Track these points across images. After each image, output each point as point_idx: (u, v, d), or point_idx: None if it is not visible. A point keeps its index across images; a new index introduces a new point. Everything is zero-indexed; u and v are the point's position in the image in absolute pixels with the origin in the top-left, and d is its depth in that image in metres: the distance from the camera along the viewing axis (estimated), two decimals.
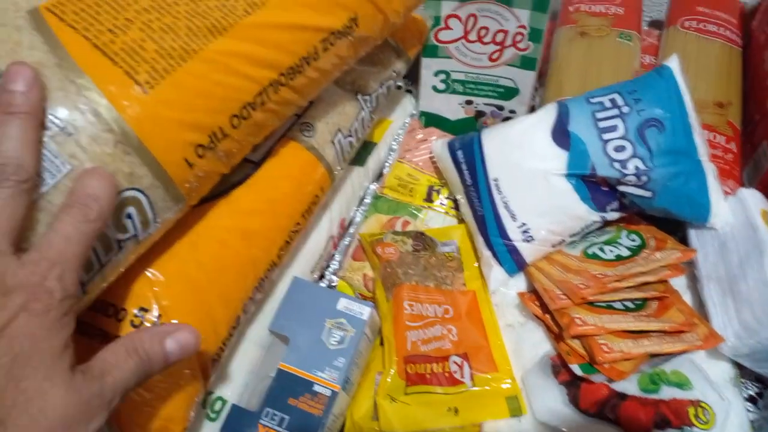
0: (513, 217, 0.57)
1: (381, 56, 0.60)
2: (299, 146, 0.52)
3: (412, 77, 0.72)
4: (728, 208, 0.58)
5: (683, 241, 0.61)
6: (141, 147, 0.36)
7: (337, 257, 0.64)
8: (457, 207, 0.66)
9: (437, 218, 0.66)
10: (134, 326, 0.41)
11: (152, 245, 0.41)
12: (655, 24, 0.87)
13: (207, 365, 0.44)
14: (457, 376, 0.53)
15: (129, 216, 0.36)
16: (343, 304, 0.52)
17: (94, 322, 0.41)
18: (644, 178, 0.55)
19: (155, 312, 0.41)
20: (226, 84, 0.39)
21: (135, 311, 0.41)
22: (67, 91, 0.34)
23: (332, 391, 0.47)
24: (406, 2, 0.50)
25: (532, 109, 0.75)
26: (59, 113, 0.34)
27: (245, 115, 0.41)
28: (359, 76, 0.58)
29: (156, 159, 0.36)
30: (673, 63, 0.60)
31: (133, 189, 0.36)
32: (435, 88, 0.70)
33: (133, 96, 0.35)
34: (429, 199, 0.67)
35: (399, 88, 0.76)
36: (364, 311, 0.51)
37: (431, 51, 0.66)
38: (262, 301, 0.53)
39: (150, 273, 0.42)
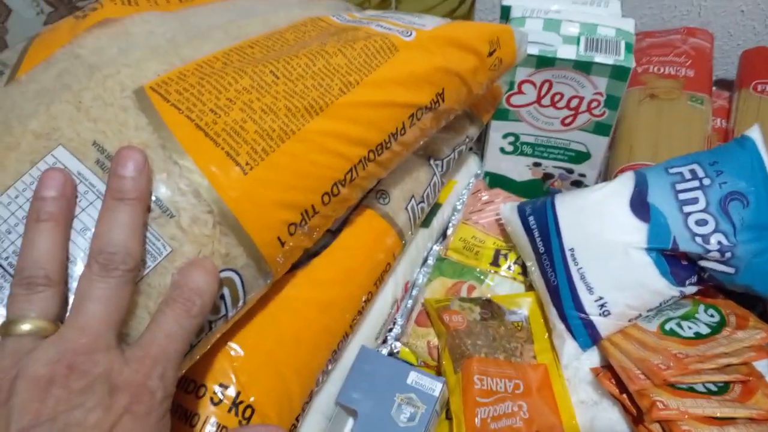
0: (590, 289, 0.56)
1: (455, 122, 0.59)
2: (374, 214, 0.52)
3: (478, 137, 0.71)
4: None
5: (763, 317, 0.58)
6: (238, 227, 0.35)
7: (400, 321, 0.63)
8: (525, 273, 0.64)
9: (504, 284, 0.64)
10: (214, 403, 0.40)
11: None
12: (721, 84, 0.86)
13: None
14: None
15: (222, 297, 0.36)
16: (413, 377, 0.50)
17: (174, 399, 0.40)
18: (728, 255, 0.53)
19: (235, 388, 0.41)
20: (321, 163, 0.39)
21: (215, 387, 0.40)
22: (171, 172, 0.34)
23: None
24: (490, 75, 0.49)
25: (601, 173, 0.74)
26: (162, 194, 0.34)
27: (335, 192, 0.40)
28: (433, 141, 0.58)
29: (252, 239, 0.36)
30: (755, 133, 0.58)
31: (228, 270, 0.36)
32: (502, 150, 0.69)
33: (234, 177, 0.35)
34: (496, 263, 0.65)
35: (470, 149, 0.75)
36: (436, 387, 0.50)
37: (502, 114, 0.65)
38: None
39: (230, 348, 0.42)
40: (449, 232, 0.69)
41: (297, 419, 0.45)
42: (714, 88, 0.85)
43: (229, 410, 0.40)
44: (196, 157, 0.35)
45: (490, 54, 0.48)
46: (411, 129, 0.45)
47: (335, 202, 0.41)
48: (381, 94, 0.41)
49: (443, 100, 0.46)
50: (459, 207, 0.71)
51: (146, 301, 0.33)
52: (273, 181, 0.37)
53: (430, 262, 0.67)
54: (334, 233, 0.49)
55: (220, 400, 0.40)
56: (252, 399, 0.41)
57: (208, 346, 0.38)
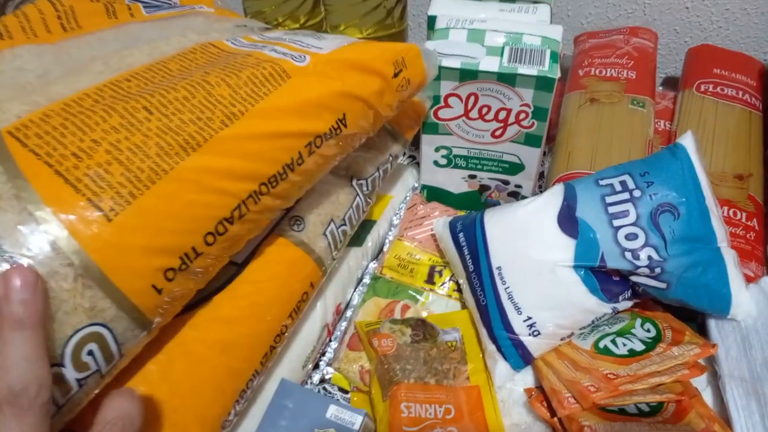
0: (518, 309, 0.54)
1: (376, 141, 0.57)
2: (287, 242, 0.49)
3: (413, 148, 0.69)
4: (751, 298, 0.54)
5: (702, 329, 0.57)
6: (103, 279, 0.33)
7: (333, 345, 0.61)
8: (460, 290, 0.62)
9: (440, 302, 0.62)
10: None
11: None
12: (669, 83, 0.84)
13: None
14: None
15: (90, 353, 0.34)
16: (332, 411, 0.48)
17: None
18: (658, 270, 0.52)
19: None
20: (200, 202, 0.37)
21: None
22: (26, 224, 0.32)
23: None
24: (398, 96, 0.47)
25: (540, 179, 0.72)
26: (15, 248, 0.31)
27: (221, 231, 0.38)
28: (354, 162, 0.56)
29: (120, 290, 0.34)
30: (688, 141, 0.56)
31: (94, 324, 0.33)
32: (436, 163, 0.67)
33: (96, 225, 0.33)
34: (431, 280, 0.63)
35: (401, 163, 0.73)
36: (356, 420, 0.48)
37: (431, 128, 0.63)
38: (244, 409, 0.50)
39: None
40: (385, 248, 0.67)
41: None
42: (660, 88, 0.83)
43: None
44: (53, 205, 0.32)
45: (396, 75, 0.46)
46: (311, 158, 0.43)
47: (223, 240, 0.39)
48: (269, 125, 0.39)
49: (345, 126, 0.44)
50: (395, 222, 0.69)
51: None
52: (142, 226, 0.34)
53: (366, 280, 0.65)
54: (240, 266, 0.47)
55: None
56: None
57: (84, 404, 0.36)
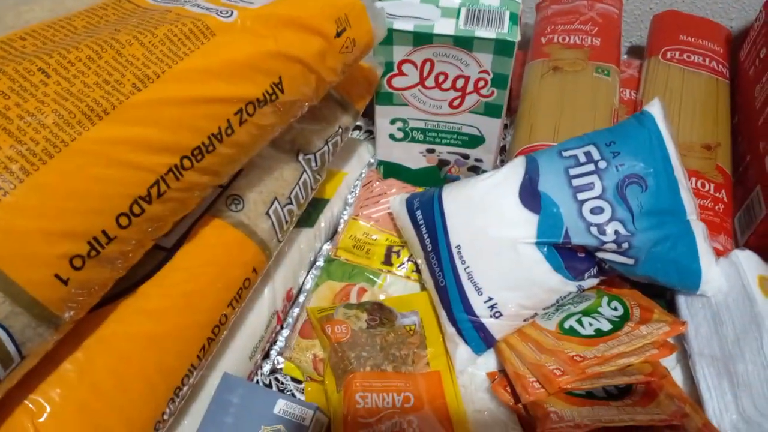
0: (478, 290, 0.50)
1: (324, 111, 0.53)
2: (224, 224, 0.45)
3: (370, 123, 0.65)
4: (721, 272, 0.51)
5: (671, 306, 0.54)
6: None
7: (285, 332, 0.57)
8: (419, 271, 0.59)
9: (398, 284, 0.59)
10: None
11: (32, 369, 0.34)
12: (635, 52, 0.81)
13: None
14: None
15: None
16: (281, 406, 0.44)
17: None
18: (625, 245, 0.49)
19: None
20: (108, 179, 0.32)
21: None
22: None
23: None
24: (343, 58, 0.43)
25: (502, 153, 0.69)
26: None
27: (137, 212, 0.33)
28: (299, 134, 0.51)
29: (14, 281, 0.29)
30: (655, 108, 0.53)
31: None
32: (393, 137, 0.63)
33: None
34: (388, 261, 0.60)
35: (355, 134, 0.69)
36: (306, 415, 0.44)
37: (385, 98, 0.59)
38: (182, 406, 0.46)
39: (30, 402, 0.35)
40: (340, 228, 0.63)
41: None
42: (625, 57, 0.80)
43: None
44: None
45: (339, 34, 0.41)
46: (242, 127, 0.38)
47: (142, 221, 0.34)
48: (190, 88, 0.34)
49: (282, 91, 0.39)
50: (350, 200, 0.65)
51: None
52: (38, 207, 0.29)
53: (319, 263, 0.61)
54: (169, 251, 0.42)
55: None
56: None
57: None
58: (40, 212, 0.30)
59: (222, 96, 0.36)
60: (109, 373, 0.37)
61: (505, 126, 0.71)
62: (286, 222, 0.50)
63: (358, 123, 0.73)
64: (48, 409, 0.35)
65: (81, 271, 0.32)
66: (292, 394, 0.54)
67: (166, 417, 0.41)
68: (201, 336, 0.42)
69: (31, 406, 0.35)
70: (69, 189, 0.30)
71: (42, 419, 0.35)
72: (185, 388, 0.42)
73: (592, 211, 0.49)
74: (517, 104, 0.70)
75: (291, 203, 0.49)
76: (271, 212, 0.48)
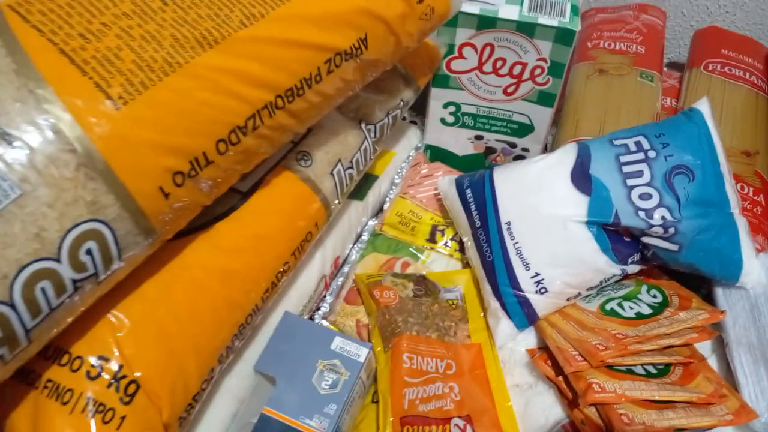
0: (526, 265, 0.52)
1: (388, 83, 0.55)
2: (294, 177, 0.47)
3: (419, 108, 0.67)
4: (760, 266, 0.53)
5: (708, 299, 0.56)
6: (108, 172, 0.30)
7: (329, 299, 0.58)
8: (462, 249, 0.60)
9: (440, 261, 0.60)
10: (91, 378, 0.35)
11: (117, 284, 0.35)
12: (674, 66, 0.84)
13: (173, 425, 0.38)
14: None
15: (89, 252, 0.31)
16: (338, 343, 0.46)
17: (43, 372, 0.35)
18: (671, 230, 0.50)
19: (117, 361, 0.36)
20: (214, 104, 0.34)
21: (93, 360, 0.35)
22: (25, 102, 0.29)
23: None
24: (421, 25, 0.45)
25: (546, 149, 0.71)
26: (12, 128, 0.29)
27: (234, 140, 0.36)
28: (364, 103, 0.53)
29: (125, 186, 0.31)
30: (704, 106, 0.55)
31: (95, 220, 0.30)
32: (443, 121, 0.65)
33: (103, 112, 0.30)
34: (432, 239, 0.61)
35: (404, 119, 0.71)
36: (361, 353, 0.46)
37: (442, 81, 0.61)
38: (241, 347, 0.47)
39: (113, 316, 0.36)
40: (386, 206, 0.65)
41: (195, 398, 0.40)
42: (665, 69, 0.83)
43: (109, 386, 0.35)
44: (57, 86, 0.30)
45: (420, 1, 0.44)
46: (329, 77, 0.40)
47: (235, 152, 0.36)
48: (290, 31, 0.37)
49: (366, 48, 0.41)
50: (397, 180, 0.67)
51: None
52: (153, 119, 0.32)
53: (365, 238, 0.63)
54: (245, 195, 0.44)
55: (99, 374, 0.35)
56: (138, 374, 0.36)
57: (78, 312, 0.33)
58: (154, 125, 0.32)
59: (316, 43, 0.38)
60: (186, 299, 0.39)
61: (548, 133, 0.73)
62: (346, 185, 0.52)
63: (404, 114, 0.75)
64: (128, 325, 0.37)
65: (180, 188, 0.34)
66: None
67: (229, 351, 0.42)
68: (266, 278, 0.44)
69: (113, 320, 0.37)
70: (180, 107, 0.33)
71: (122, 334, 0.36)
72: (248, 327, 0.44)
73: (641, 197, 0.51)
74: (562, 105, 0.72)
75: (352, 167, 0.52)
76: (334, 172, 0.50)
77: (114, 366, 0.36)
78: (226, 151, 0.35)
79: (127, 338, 0.36)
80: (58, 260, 0.29)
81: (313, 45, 0.38)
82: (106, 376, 0.35)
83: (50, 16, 0.31)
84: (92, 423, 0.34)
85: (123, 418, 0.35)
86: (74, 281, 0.31)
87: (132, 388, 0.36)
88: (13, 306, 0.28)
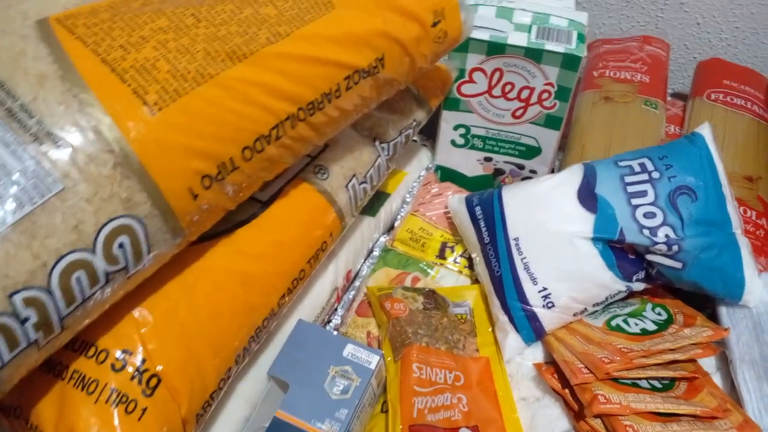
0: (533, 280, 0.54)
1: (401, 104, 0.58)
2: (311, 188, 0.49)
3: (430, 131, 0.70)
4: (763, 285, 0.54)
5: (712, 319, 0.57)
6: (142, 171, 0.33)
7: (340, 312, 0.60)
8: (471, 266, 0.62)
9: (450, 277, 0.62)
10: (115, 370, 0.37)
11: (142, 282, 0.37)
12: (678, 96, 0.86)
13: (191, 421, 0.39)
14: None
15: (121, 246, 0.33)
16: (349, 350, 0.48)
17: (70, 363, 0.37)
18: (675, 248, 0.52)
19: (140, 356, 0.37)
20: (241, 113, 0.36)
21: (118, 353, 0.37)
22: (69, 105, 0.32)
23: None
24: (434, 48, 0.48)
25: (553, 172, 0.73)
26: (57, 128, 0.31)
27: (259, 148, 0.38)
28: (378, 122, 0.56)
29: (157, 185, 0.33)
30: (705, 131, 0.58)
31: (128, 216, 0.33)
32: (453, 143, 0.67)
33: (139, 116, 0.33)
34: (442, 255, 0.63)
35: (416, 141, 0.73)
36: (373, 360, 0.47)
37: (452, 104, 0.63)
38: (256, 352, 0.49)
39: (138, 313, 0.38)
40: (397, 224, 0.67)
41: (212, 396, 0.41)
42: (669, 99, 0.85)
43: (132, 378, 0.37)
44: (98, 92, 0.32)
45: (435, 24, 0.46)
46: (348, 93, 0.43)
47: (259, 159, 0.38)
48: (313, 49, 0.39)
49: (383, 67, 0.44)
50: (408, 199, 0.69)
51: (29, 240, 0.30)
52: (185, 125, 0.34)
53: (376, 253, 0.65)
54: (264, 204, 0.47)
55: (123, 367, 0.37)
56: (159, 368, 0.38)
57: (108, 305, 0.35)
58: (186, 130, 0.34)
59: (337, 60, 0.41)
60: (207, 300, 0.41)
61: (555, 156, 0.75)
62: (360, 199, 0.54)
63: (414, 137, 0.77)
64: (152, 322, 0.39)
65: (208, 191, 0.36)
66: None
67: (245, 353, 0.44)
68: (283, 284, 0.46)
69: (138, 316, 0.38)
70: (210, 115, 0.35)
71: (145, 330, 0.38)
72: (264, 331, 0.45)
73: (645, 216, 0.53)
74: (568, 131, 0.75)
75: (366, 182, 0.54)
76: (349, 186, 0.52)
77: (137, 359, 0.37)
78: (251, 158, 0.38)
79: (151, 334, 0.38)
80: (93, 252, 0.32)
81: (334, 62, 0.41)
82: (129, 369, 0.37)
83: (93, 29, 0.34)
84: (115, 412, 0.36)
85: (144, 409, 0.37)
86: (107, 273, 0.33)
87: (154, 381, 0.37)
88: (50, 293, 0.30)
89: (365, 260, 0.64)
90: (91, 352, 0.37)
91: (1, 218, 0.29)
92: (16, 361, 0.31)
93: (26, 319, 0.30)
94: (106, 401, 0.36)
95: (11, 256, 0.29)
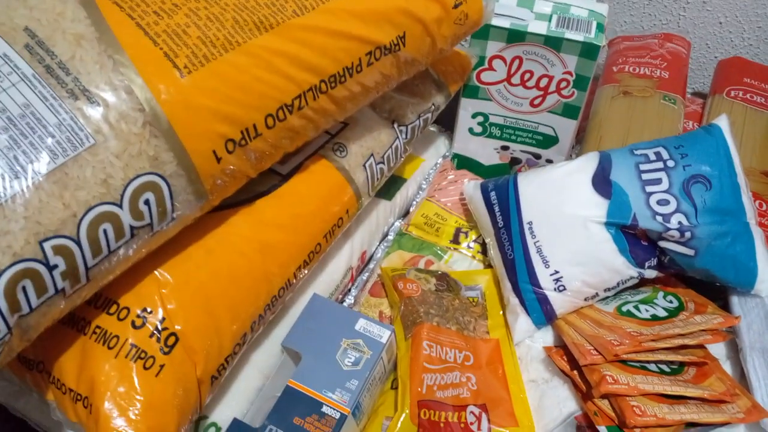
0: (546, 263, 0.54)
1: (421, 87, 0.59)
2: (330, 165, 0.50)
3: (448, 119, 0.71)
4: None
5: (724, 309, 0.57)
6: (170, 131, 0.34)
7: (353, 292, 0.61)
8: (484, 252, 0.63)
9: (463, 261, 0.63)
10: (135, 326, 0.38)
11: (165, 243, 0.39)
12: (698, 95, 0.86)
13: (206, 381, 0.41)
14: (474, 428, 0.49)
15: (146, 202, 0.34)
16: (362, 324, 0.49)
17: (93, 319, 0.38)
18: (687, 234, 0.52)
19: (160, 314, 0.39)
20: (266, 81, 0.38)
21: (138, 311, 0.38)
22: (104, 65, 0.33)
23: (341, 414, 0.43)
24: (455, 29, 0.49)
25: None
26: (92, 86, 0.32)
27: (281, 117, 0.39)
28: (398, 104, 0.57)
29: (183, 146, 0.35)
30: (723, 122, 0.58)
31: (155, 174, 0.34)
32: (471, 131, 0.68)
33: (170, 78, 0.34)
34: (456, 240, 0.64)
35: (433, 130, 0.74)
36: (384, 334, 0.48)
37: (471, 91, 0.64)
38: (270, 325, 0.50)
39: (159, 273, 0.40)
40: (412, 209, 0.68)
41: (227, 360, 0.42)
42: (689, 96, 0.85)
43: (151, 335, 0.38)
44: (132, 53, 0.34)
45: (456, 6, 0.47)
46: (369, 69, 0.44)
47: (281, 128, 0.40)
48: (337, 22, 0.41)
49: (404, 45, 0.45)
50: (424, 186, 0.70)
51: (61, 191, 0.31)
52: (212, 89, 0.35)
53: (390, 237, 0.66)
54: (284, 177, 0.48)
55: (143, 324, 0.38)
56: (177, 328, 0.39)
57: (131, 261, 0.36)
58: (213, 93, 0.35)
59: (359, 35, 0.42)
60: (226, 265, 0.42)
61: (572, 146, 0.75)
62: (377, 179, 0.55)
63: (431, 127, 0.78)
64: (172, 283, 0.40)
65: (231, 155, 0.37)
66: None
67: (261, 320, 0.45)
68: (300, 255, 0.47)
69: (159, 277, 0.40)
70: (236, 81, 0.36)
71: (166, 290, 0.40)
72: (279, 301, 0.47)
73: (659, 203, 0.53)
74: (585, 125, 0.75)
75: (383, 162, 0.55)
76: (367, 165, 0.53)
77: (157, 318, 0.39)
78: (273, 126, 0.39)
79: (171, 294, 0.40)
80: (120, 206, 0.33)
81: (356, 37, 0.42)
82: (149, 327, 0.38)
83: None
84: (134, 367, 0.37)
85: (162, 366, 0.38)
86: (132, 228, 0.34)
87: (171, 340, 0.39)
88: (78, 243, 0.32)
89: (380, 243, 0.65)
90: (113, 309, 0.38)
91: (36, 168, 0.30)
92: (43, 308, 0.32)
93: (55, 267, 0.31)
94: (126, 356, 0.37)
95: (44, 204, 0.31)
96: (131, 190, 0.33)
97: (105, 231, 0.33)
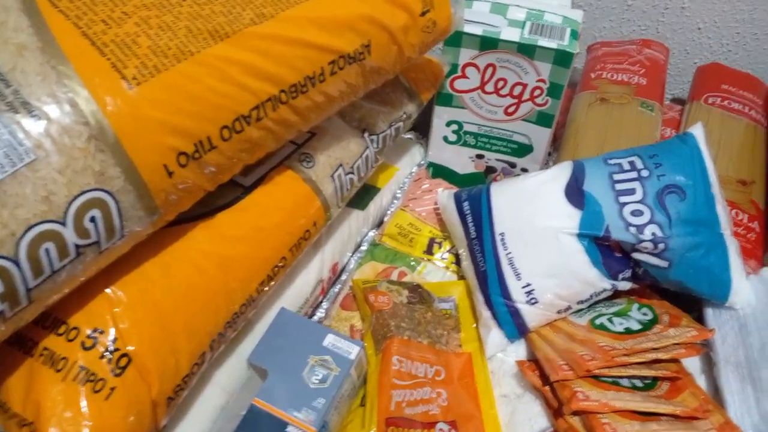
0: (517, 275, 0.53)
1: (392, 96, 0.57)
2: (296, 176, 0.49)
3: (423, 127, 0.70)
4: (750, 287, 0.54)
5: (699, 321, 0.56)
6: (117, 145, 0.33)
7: (325, 305, 0.60)
8: (458, 262, 0.62)
9: (436, 272, 0.62)
10: (85, 348, 0.37)
11: (117, 260, 0.37)
12: (677, 101, 0.86)
13: (162, 403, 0.39)
14: None
15: (93, 219, 0.33)
16: (330, 340, 0.47)
17: (41, 340, 0.37)
18: (661, 246, 0.51)
19: (111, 334, 0.37)
20: (221, 92, 0.36)
21: (89, 331, 0.37)
22: (47, 76, 0.32)
23: None
24: (423, 37, 0.48)
25: None
26: (33, 99, 0.31)
27: (238, 129, 0.38)
28: (368, 113, 0.56)
29: (131, 160, 0.33)
30: (697, 131, 0.57)
31: (101, 190, 0.33)
32: (446, 139, 0.67)
33: (117, 90, 0.33)
34: (429, 251, 0.63)
35: (408, 138, 0.73)
36: (353, 350, 0.47)
37: (445, 99, 0.63)
38: (235, 340, 0.49)
39: (111, 291, 0.38)
40: (386, 219, 0.66)
41: (185, 380, 0.41)
42: (667, 102, 0.85)
43: (102, 357, 0.37)
44: (77, 64, 0.32)
45: (423, 14, 0.46)
46: (333, 78, 0.42)
47: (239, 140, 0.38)
48: (297, 31, 0.39)
49: (370, 54, 0.44)
50: (399, 195, 0.68)
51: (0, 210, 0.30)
52: (162, 100, 0.34)
53: (364, 247, 0.64)
54: (247, 189, 0.46)
55: (93, 345, 0.37)
56: (130, 348, 0.38)
57: (79, 281, 0.35)
58: (163, 105, 0.34)
59: (321, 44, 0.41)
60: (183, 281, 0.41)
61: (549, 153, 0.75)
62: (346, 189, 0.53)
63: (407, 135, 0.77)
64: (125, 301, 0.38)
65: (184, 169, 0.36)
66: None
67: (221, 339, 0.44)
68: (263, 270, 0.45)
69: (111, 295, 0.38)
70: (189, 92, 0.35)
71: (118, 309, 0.38)
72: (241, 318, 0.45)
73: (633, 213, 0.52)
74: (561, 133, 0.74)
75: (353, 173, 0.53)
76: (335, 176, 0.52)
77: (108, 338, 0.37)
78: (230, 138, 0.37)
79: (123, 314, 0.38)
80: (63, 224, 0.31)
81: (318, 46, 0.40)
82: (100, 348, 0.37)
83: (77, 3, 0.34)
84: (82, 390, 0.36)
85: (113, 389, 0.36)
86: (77, 246, 0.32)
87: (124, 361, 0.37)
88: (17, 263, 0.30)
89: (353, 254, 0.64)
90: (62, 329, 0.37)
91: None
92: None
93: None
94: (74, 379, 0.36)
95: None
96: (75, 207, 0.32)
97: (47, 250, 0.31)
